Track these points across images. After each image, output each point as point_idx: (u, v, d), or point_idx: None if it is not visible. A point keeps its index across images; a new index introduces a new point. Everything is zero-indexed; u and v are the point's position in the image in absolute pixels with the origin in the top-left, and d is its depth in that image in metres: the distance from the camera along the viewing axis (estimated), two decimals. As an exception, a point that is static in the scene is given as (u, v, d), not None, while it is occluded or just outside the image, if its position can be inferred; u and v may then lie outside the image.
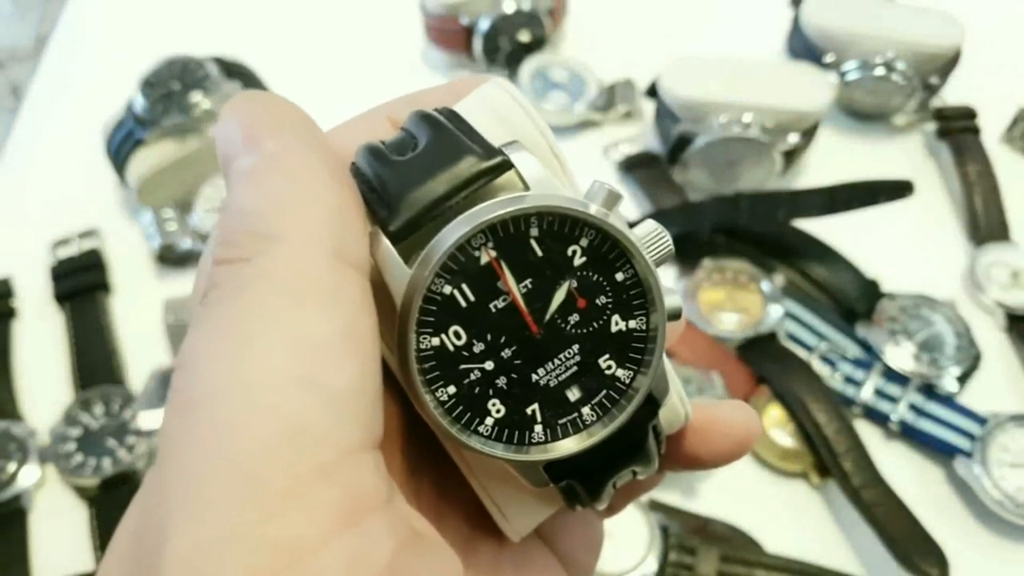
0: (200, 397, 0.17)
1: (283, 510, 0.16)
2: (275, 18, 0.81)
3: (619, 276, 0.21)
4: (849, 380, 0.55)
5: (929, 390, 0.54)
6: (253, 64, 0.66)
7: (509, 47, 0.70)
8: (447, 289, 0.20)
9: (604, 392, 0.21)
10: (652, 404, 0.22)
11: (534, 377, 0.21)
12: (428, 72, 0.76)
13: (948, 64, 0.67)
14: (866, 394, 0.55)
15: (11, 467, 0.53)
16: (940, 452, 0.53)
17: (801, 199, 0.60)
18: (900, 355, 0.55)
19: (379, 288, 0.21)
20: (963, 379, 0.55)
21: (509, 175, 0.21)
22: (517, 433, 0.21)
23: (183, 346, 0.18)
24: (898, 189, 0.58)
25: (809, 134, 0.64)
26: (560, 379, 0.21)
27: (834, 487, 0.52)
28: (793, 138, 0.63)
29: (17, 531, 0.52)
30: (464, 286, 0.20)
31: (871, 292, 0.59)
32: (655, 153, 0.68)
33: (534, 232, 0.20)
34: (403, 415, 0.23)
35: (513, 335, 0.21)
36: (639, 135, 0.70)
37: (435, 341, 0.20)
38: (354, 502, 0.17)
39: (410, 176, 0.21)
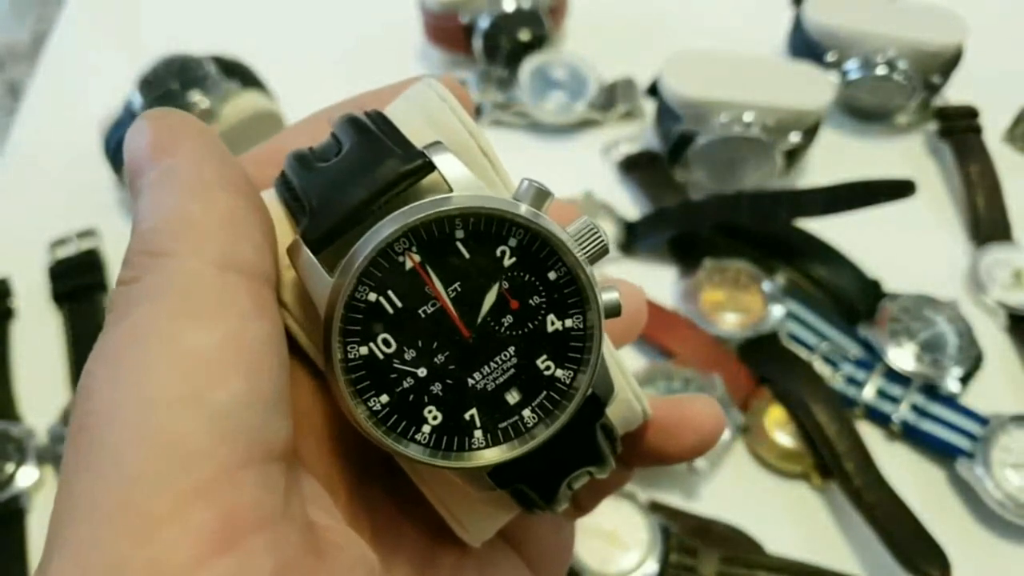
0: (90, 423, 0.17)
1: (158, 536, 0.16)
2: (274, 16, 0.81)
3: (551, 275, 0.21)
4: (851, 380, 0.55)
5: (931, 391, 0.54)
6: (251, 63, 0.66)
7: (509, 46, 0.70)
8: (372, 296, 0.20)
9: (544, 393, 0.21)
10: (596, 404, 0.22)
11: (470, 382, 0.21)
12: (427, 71, 0.75)
13: (950, 63, 0.67)
14: (868, 395, 0.54)
15: (9, 468, 0.53)
16: (942, 453, 0.53)
17: (802, 198, 0.60)
18: (902, 355, 0.55)
19: (308, 299, 0.21)
20: (965, 380, 0.55)
21: (432, 177, 0.20)
22: (456, 440, 0.21)
23: (83, 370, 0.18)
24: (899, 189, 0.58)
25: (810, 133, 0.64)
26: (498, 382, 0.21)
27: (835, 488, 0.52)
28: (794, 137, 0.62)
29: (16, 532, 0.51)
30: (390, 292, 0.20)
31: (873, 292, 0.59)
32: (656, 152, 0.68)
33: (459, 234, 0.20)
34: (346, 424, 0.23)
35: (445, 340, 0.20)
36: (640, 134, 0.70)
37: (363, 350, 0.20)
38: (231, 523, 0.17)
39: (331, 183, 0.20)
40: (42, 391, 0.57)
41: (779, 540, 0.50)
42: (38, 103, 0.75)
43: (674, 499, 0.52)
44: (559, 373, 0.21)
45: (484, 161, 0.23)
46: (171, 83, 0.60)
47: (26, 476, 0.53)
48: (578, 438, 0.22)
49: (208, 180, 0.20)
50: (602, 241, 0.21)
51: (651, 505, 0.50)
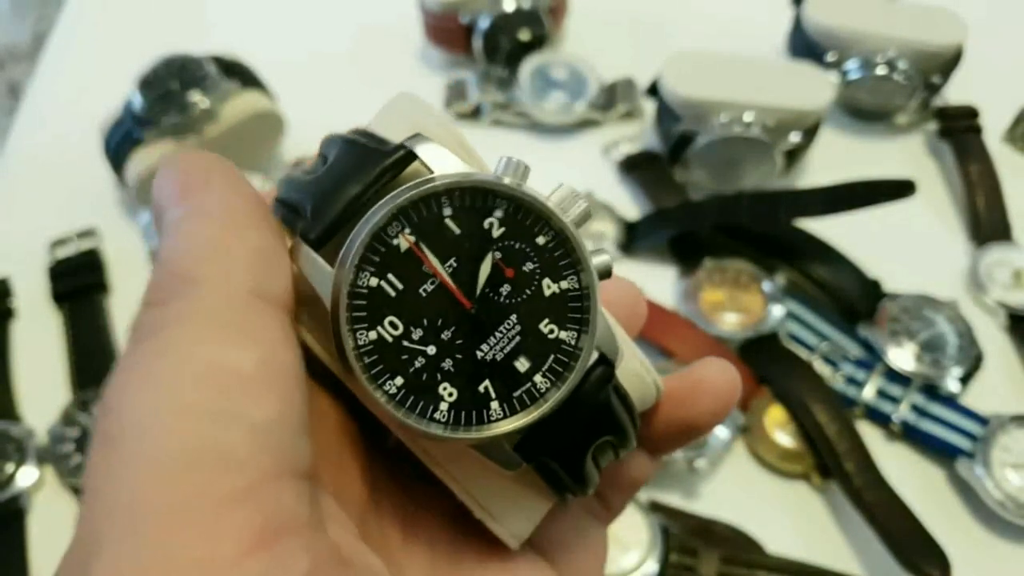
0: (118, 433, 0.18)
1: (199, 533, 0.16)
2: (274, 17, 0.81)
3: (540, 240, 0.21)
4: (851, 380, 0.55)
5: (931, 391, 0.54)
6: (252, 63, 0.66)
7: (509, 46, 0.70)
8: (373, 281, 0.20)
9: (552, 357, 0.21)
10: (606, 363, 0.22)
11: (479, 354, 0.21)
12: (427, 71, 0.75)
13: (950, 63, 0.67)
14: (868, 395, 0.54)
15: (9, 468, 0.52)
16: (942, 453, 0.53)
17: (802, 198, 0.60)
18: (902, 355, 0.55)
19: (314, 301, 0.21)
20: (965, 380, 0.55)
21: (415, 165, 0.21)
22: (475, 413, 0.21)
23: (107, 386, 0.19)
24: (900, 189, 0.58)
25: (810, 133, 0.64)
26: (506, 351, 0.21)
27: (835, 488, 0.52)
28: (794, 137, 0.62)
29: (16, 532, 0.51)
30: (390, 275, 0.21)
31: (873, 292, 0.59)
32: (656, 152, 0.68)
33: (447, 211, 0.21)
34: (356, 438, 0.23)
35: (449, 315, 0.21)
36: (640, 134, 0.70)
37: (372, 335, 0.21)
38: (270, 524, 0.17)
39: (322, 187, 0.21)
40: (42, 391, 0.57)
41: (779, 540, 0.50)
42: (38, 103, 0.75)
43: (674, 499, 0.52)
44: (563, 335, 0.21)
45: (463, 153, 0.23)
46: (171, 83, 0.60)
47: (26, 476, 0.52)
48: (594, 403, 0.22)
49: (238, 216, 0.20)
50: (584, 206, 0.22)
51: (651, 505, 0.50)
